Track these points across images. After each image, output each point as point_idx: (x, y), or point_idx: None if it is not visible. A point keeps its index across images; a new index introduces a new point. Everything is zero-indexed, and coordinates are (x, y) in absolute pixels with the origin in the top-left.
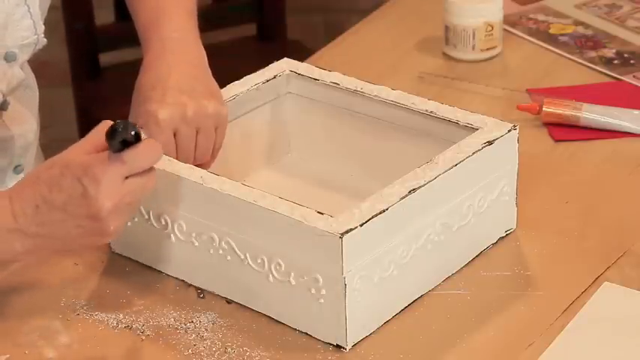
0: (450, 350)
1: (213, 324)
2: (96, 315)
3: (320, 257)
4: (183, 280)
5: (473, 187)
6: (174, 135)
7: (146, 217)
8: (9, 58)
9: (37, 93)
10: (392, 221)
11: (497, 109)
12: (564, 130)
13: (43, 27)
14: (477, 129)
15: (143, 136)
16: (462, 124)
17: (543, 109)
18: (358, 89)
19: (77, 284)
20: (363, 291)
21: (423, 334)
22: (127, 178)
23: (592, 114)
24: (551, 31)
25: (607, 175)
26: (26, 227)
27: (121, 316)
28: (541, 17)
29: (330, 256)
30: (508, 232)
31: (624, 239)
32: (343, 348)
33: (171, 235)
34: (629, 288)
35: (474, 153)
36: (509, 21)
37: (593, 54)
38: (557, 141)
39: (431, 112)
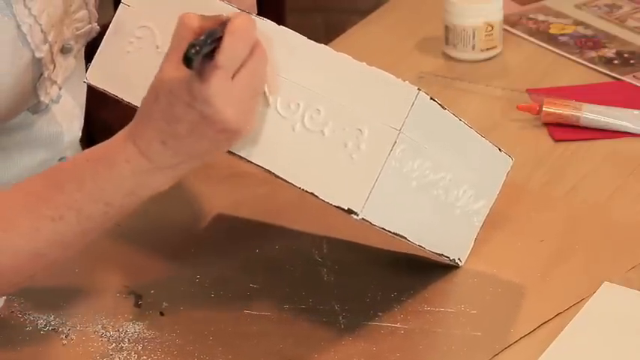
0: None
1: (137, 335)
2: (29, 314)
3: (379, 108)
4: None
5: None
6: None
7: (156, 45)
8: (65, 50)
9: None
10: (447, 124)
11: (497, 109)
12: (564, 130)
13: (96, 15)
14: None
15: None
16: None
17: (543, 109)
18: None
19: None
20: (397, 168)
21: None
22: (233, 75)
23: (592, 114)
24: (551, 31)
25: (607, 175)
26: (162, 163)
27: (52, 317)
28: (541, 17)
29: (393, 108)
30: (453, 261)
31: (625, 242)
32: (355, 214)
33: None
34: (629, 288)
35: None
36: (509, 21)
37: (593, 54)
38: (557, 141)
39: None
